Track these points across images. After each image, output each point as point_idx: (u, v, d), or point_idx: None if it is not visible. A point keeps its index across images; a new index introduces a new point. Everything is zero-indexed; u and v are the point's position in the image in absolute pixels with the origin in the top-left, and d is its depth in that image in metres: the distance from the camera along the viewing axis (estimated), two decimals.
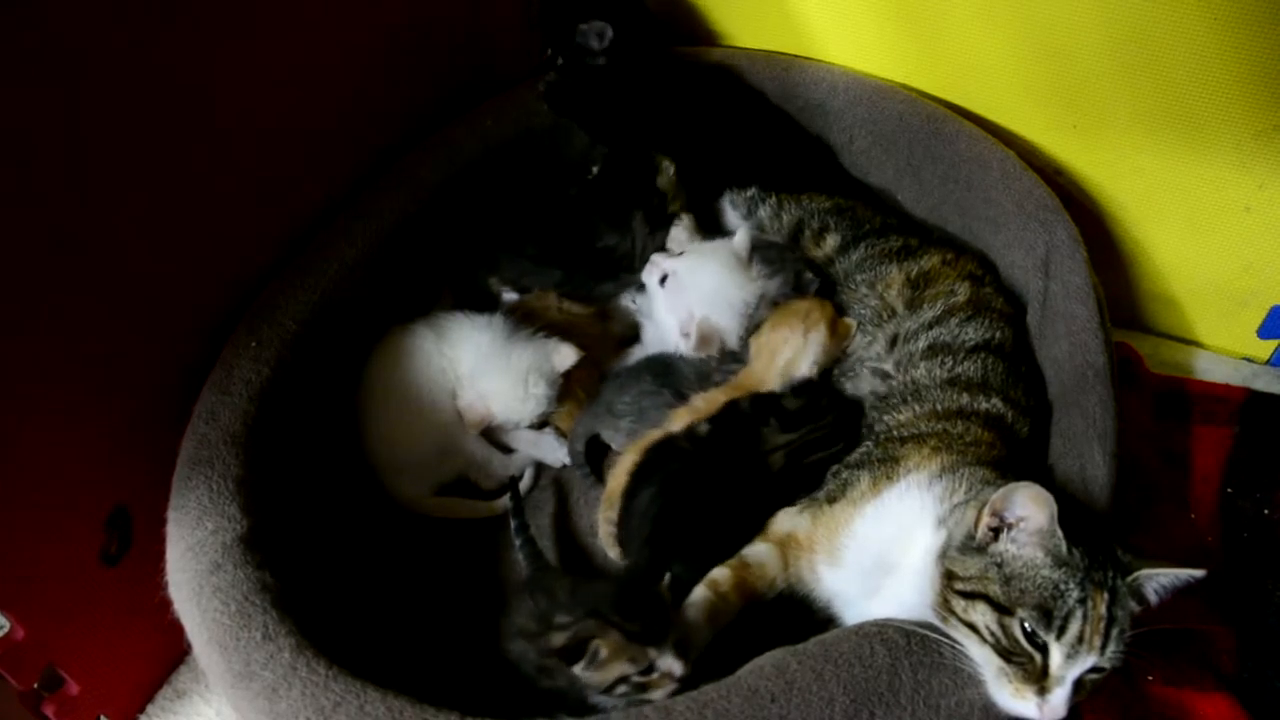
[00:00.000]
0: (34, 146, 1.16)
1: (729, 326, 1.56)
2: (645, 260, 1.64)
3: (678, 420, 1.47)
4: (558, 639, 1.16)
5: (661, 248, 1.69)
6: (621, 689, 1.13)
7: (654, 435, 1.44)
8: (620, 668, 1.12)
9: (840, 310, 1.56)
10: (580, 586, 1.23)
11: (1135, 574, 1.09)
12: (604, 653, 1.11)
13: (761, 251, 1.64)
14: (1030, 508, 1.08)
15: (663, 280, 1.58)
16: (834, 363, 1.52)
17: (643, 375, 1.59)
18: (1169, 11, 1.45)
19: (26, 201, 1.16)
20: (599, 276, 1.72)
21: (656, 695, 1.12)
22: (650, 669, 1.13)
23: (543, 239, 1.73)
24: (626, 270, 1.71)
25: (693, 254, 1.61)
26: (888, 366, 1.45)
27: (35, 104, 1.15)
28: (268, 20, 1.45)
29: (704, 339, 1.53)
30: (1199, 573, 1.10)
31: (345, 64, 1.61)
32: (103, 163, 1.25)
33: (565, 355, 1.59)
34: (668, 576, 1.22)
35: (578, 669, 1.11)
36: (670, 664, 1.13)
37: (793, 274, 1.61)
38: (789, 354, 1.48)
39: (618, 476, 1.45)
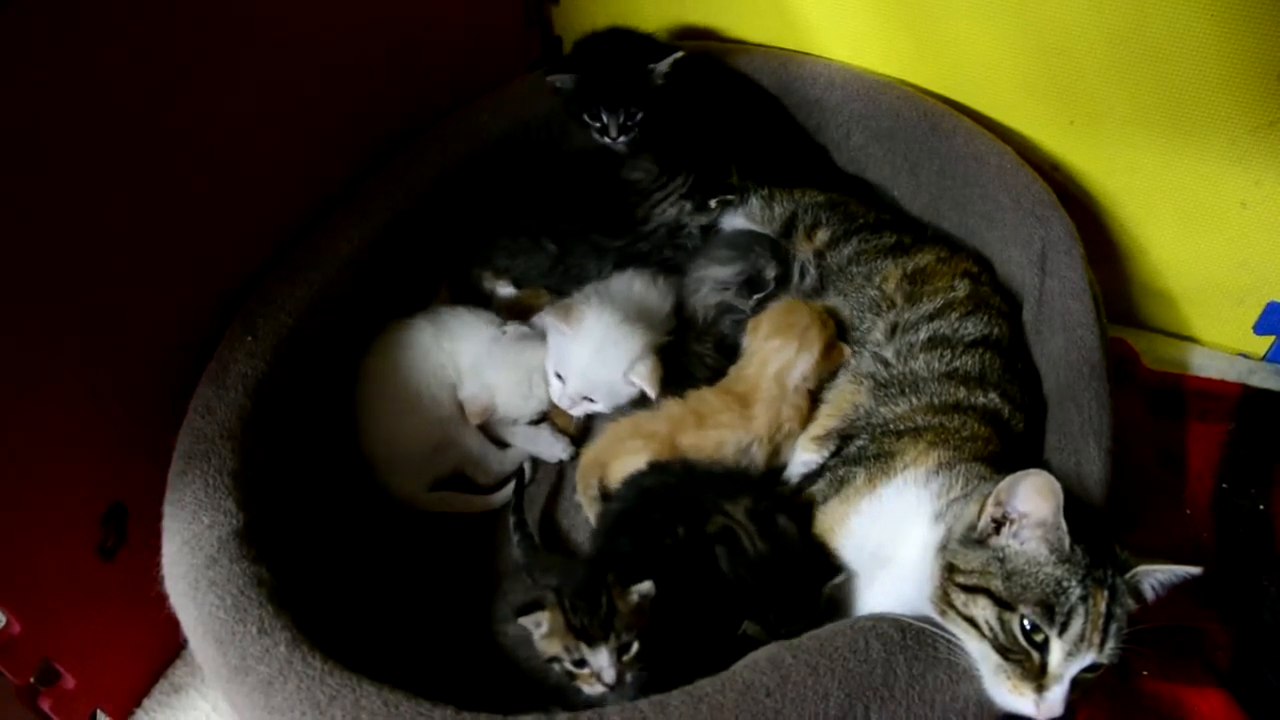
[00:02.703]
0: (30, 145, 1.16)
1: (651, 342, 1.55)
2: (664, 203, 1.69)
3: (671, 406, 1.49)
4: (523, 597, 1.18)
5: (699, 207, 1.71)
6: (556, 666, 1.16)
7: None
8: (555, 648, 1.15)
9: (841, 331, 1.55)
10: (568, 566, 1.26)
11: (1133, 571, 1.09)
12: (545, 627, 1.15)
13: (732, 237, 1.66)
14: (1035, 500, 1.08)
15: (589, 400, 1.56)
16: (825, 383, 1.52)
17: None
18: (1166, 8, 1.45)
19: (22, 199, 1.16)
20: (597, 246, 1.71)
21: (584, 688, 1.15)
22: (582, 663, 1.14)
23: (555, 192, 1.74)
24: (637, 212, 1.71)
25: (568, 366, 1.55)
26: (887, 354, 1.46)
27: (33, 103, 1.14)
28: (265, 18, 1.45)
29: (654, 377, 1.52)
30: (1195, 570, 1.10)
31: (342, 60, 1.61)
32: (100, 160, 1.25)
33: None
34: (611, 576, 1.19)
35: (526, 623, 1.15)
36: (602, 665, 1.13)
37: (750, 265, 1.62)
38: (779, 365, 1.49)
39: (599, 447, 1.50)
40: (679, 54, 1.69)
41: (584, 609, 1.14)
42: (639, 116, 1.71)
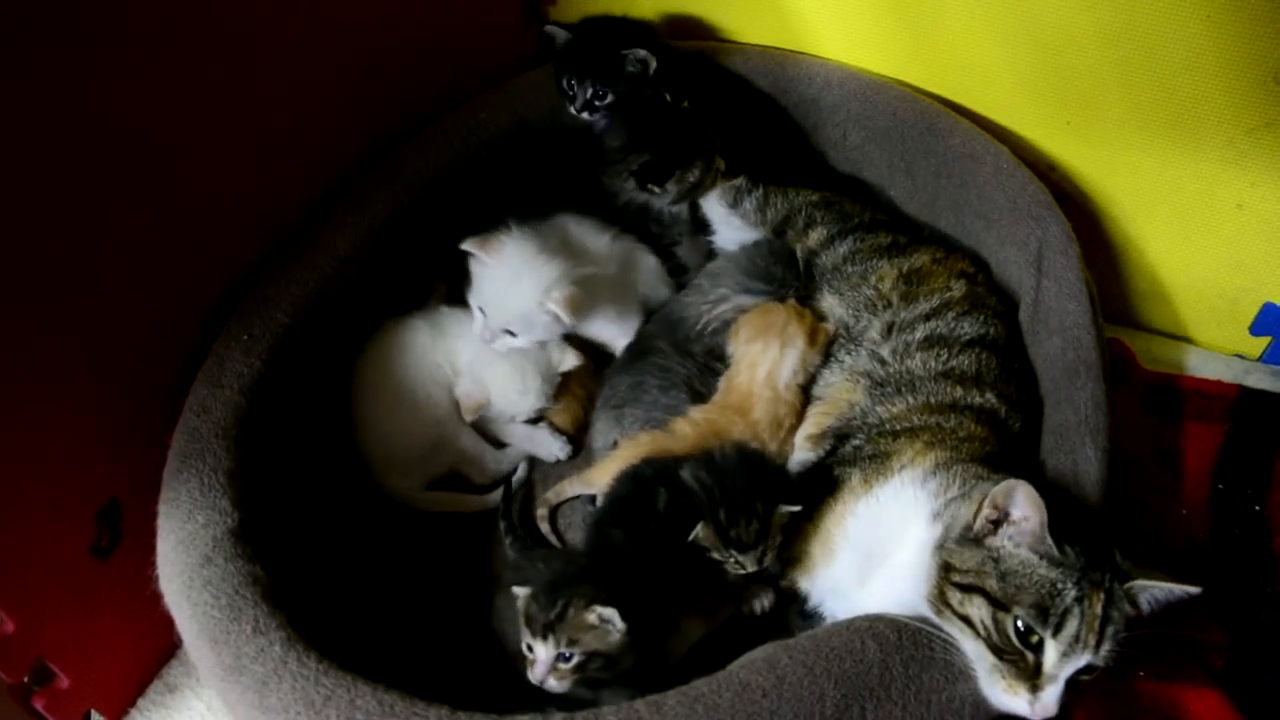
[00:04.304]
0: (28, 143, 1.15)
1: (571, 271, 1.54)
2: (618, 177, 1.69)
3: (677, 426, 1.48)
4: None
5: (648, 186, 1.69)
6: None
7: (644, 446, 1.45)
8: (523, 628, 1.20)
9: (819, 315, 1.56)
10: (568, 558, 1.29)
11: (1131, 584, 1.09)
12: (521, 607, 1.20)
13: (766, 267, 1.63)
14: (1028, 508, 1.09)
15: (511, 333, 1.55)
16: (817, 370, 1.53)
17: (626, 365, 1.62)
18: (1162, 8, 1.45)
19: (18, 198, 1.16)
20: None
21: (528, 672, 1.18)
22: (531, 648, 1.17)
23: (543, 183, 1.75)
24: (603, 178, 1.72)
25: (485, 296, 1.55)
26: (884, 353, 1.46)
27: (32, 102, 1.14)
28: (263, 16, 1.45)
29: (571, 304, 1.51)
30: (1194, 589, 1.09)
31: (339, 58, 1.61)
32: (97, 159, 1.25)
33: (568, 358, 1.62)
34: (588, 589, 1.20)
35: (516, 592, 1.22)
36: (538, 658, 1.16)
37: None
38: (767, 367, 1.49)
39: (604, 468, 1.48)
40: (649, 56, 1.70)
41: (540, 604, 1.17)
42: (608, 99, 1.73)
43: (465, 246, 1.53)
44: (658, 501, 1.29)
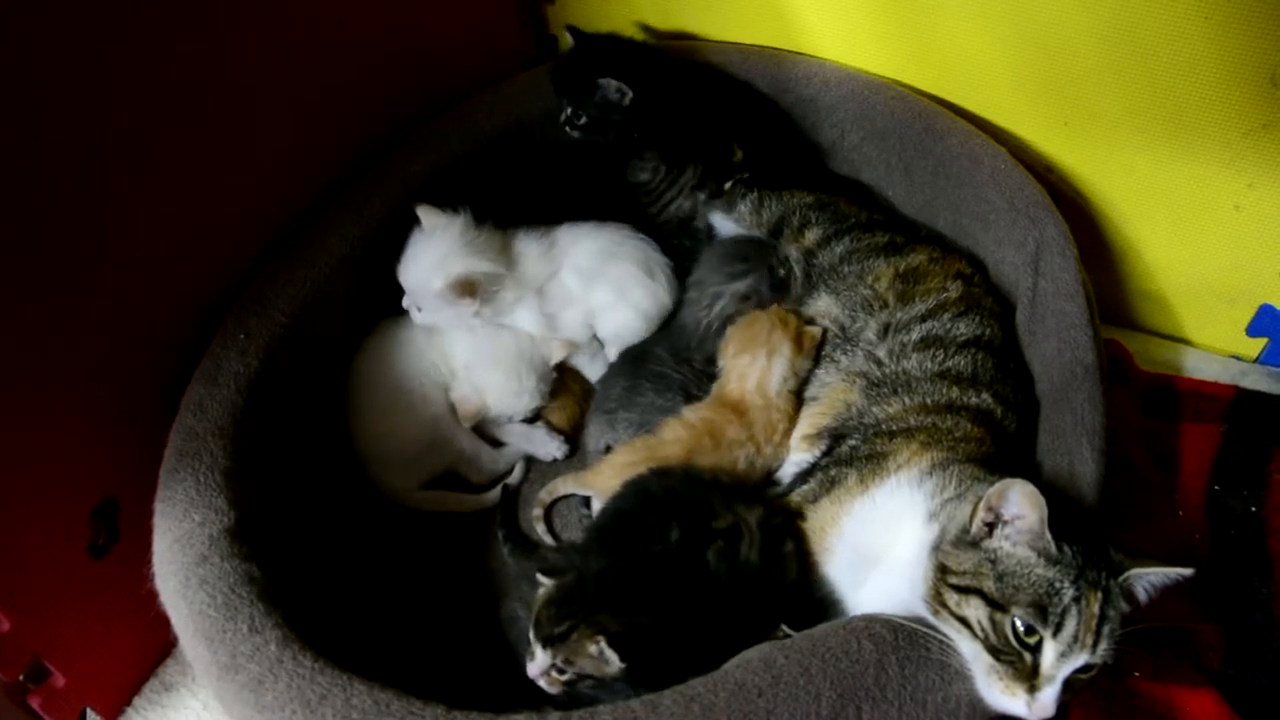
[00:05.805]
0: (26, 141, 1.15)
1: (477, 267, 1.56)
2: (679, 198, 1.72)
3: (669, 429, 1.48)
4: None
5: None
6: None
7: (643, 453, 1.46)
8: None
9: (808, 318, 1.57)
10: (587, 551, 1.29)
11: (1126, 574, 1.09)
12: (540, 594, 1.21)
13: (735, 249, 1.65)
14: (1024, 506, 1.08)
15: (419, 309, 1.59)
16: (808, 373, 1.53)
17: (621, 370, 1.62)
18: (1160, 9, 1.45)
19: (16, 195, 1.16)
20: None
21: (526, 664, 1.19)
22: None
23: (552, 185, 1.77)
24: (649, 210, 1.73)
25: (402, 271, 1.59)
26: (880, 353, 1.46)
27: (30, 100, 1.14)
28: (261, 17, 1.45)
29: (462, 287, 1.53)
30: (1188, 571, 1.10)
31: (337, 58, 1.61)
32: (94, 156, 1.25)
33: (557, 349, 1.63)
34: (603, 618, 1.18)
35: (541, 579, 1.22)
36: (535, 659, 1.17)
37: (768, 270, 1.62)
38: (757, 377, 1.49)
39: (598, 472, 1.48)
40: (624, 89, 1.68)
41: (548, 616, 1.17)
42: (582, 120, 1.73)
43: (418, 210, 1.58)
44: (670, 533, 1.28)
